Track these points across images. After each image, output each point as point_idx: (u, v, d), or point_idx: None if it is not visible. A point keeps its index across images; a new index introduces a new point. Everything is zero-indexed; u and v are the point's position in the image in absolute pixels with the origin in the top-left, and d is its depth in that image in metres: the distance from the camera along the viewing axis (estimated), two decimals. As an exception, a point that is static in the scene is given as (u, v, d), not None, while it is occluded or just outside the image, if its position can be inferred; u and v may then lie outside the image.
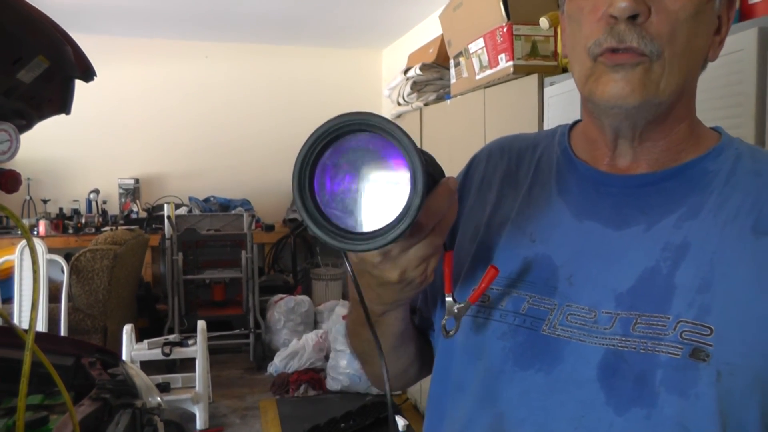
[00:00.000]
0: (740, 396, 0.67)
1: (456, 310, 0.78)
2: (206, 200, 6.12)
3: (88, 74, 1.56)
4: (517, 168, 0.93)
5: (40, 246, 3.65)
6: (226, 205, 6.05)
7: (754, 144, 1.50)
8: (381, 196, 0.59)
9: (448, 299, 0.78)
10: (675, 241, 0.75)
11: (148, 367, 3.80)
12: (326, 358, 4.59)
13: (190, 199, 6.10)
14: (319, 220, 0.59)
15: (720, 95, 1.62)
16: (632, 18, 0.72)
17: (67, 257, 4.06)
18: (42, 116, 1.62)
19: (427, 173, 0.60)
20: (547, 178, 0.89)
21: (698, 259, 0.73)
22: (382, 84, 6.74)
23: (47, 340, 1.74)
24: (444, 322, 0.79)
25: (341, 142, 0.59)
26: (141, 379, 1.62)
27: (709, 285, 0.71)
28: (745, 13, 1.69)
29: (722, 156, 0.80)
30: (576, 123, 0.93)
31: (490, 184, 0.93)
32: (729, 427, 0.67)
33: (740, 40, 1.57)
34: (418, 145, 0.57)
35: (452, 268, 0.79)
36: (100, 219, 5.81)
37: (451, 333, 0.78)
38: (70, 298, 4.00)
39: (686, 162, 0.80)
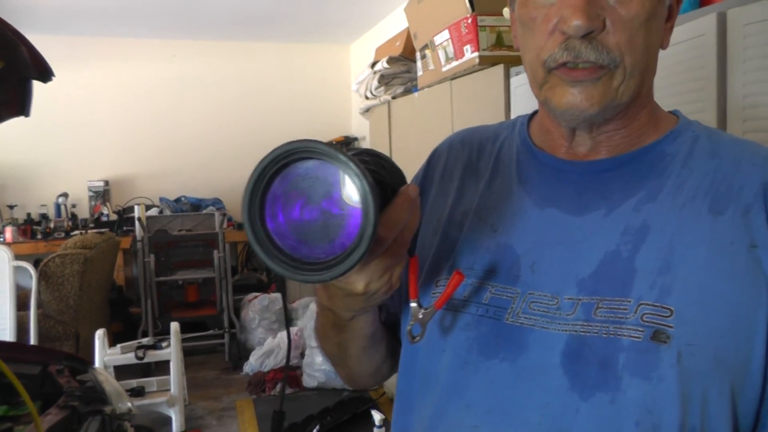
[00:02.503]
0: (701, 376, 0.67)
1: (421, 316, 0.77)
2: (177, 200, 6.06)
3: (45, 75, 1.54)
4: (478, 159, 0.93)
5: (5, 252, 3.58)
6: (197, 205, 5.99)
7: (716, 126, 1.52)
8: (333, 224, 0.58)
9: (413, 305, 0.78)
10: (635, 225, 0.75)
11: (123, 371, 3.76)
12: (302, 355, 4.57)
13: (161, 199, 6.04)
14: (271, 251, 0.58)
15: (682, 80, 1.63)
16: (587, 34, 0.71)
17: (36, 263, 3.99)
18: (-1, 119, 1.59)
19: (380, 194, 0.59)
20: (508, 168, 0.89)
21: (658, 241, 0.73)
22: (351, 78, 6.72)
23: (11, 349, 1.71)
24: (410, 327, 0.78)
25: (289, 170, 0.58)
26: (111, 384, 1.61)
27: (668, 267, 0.71)
28: (705, -1, 1.71)
29: (680, 138, 0.81)
30: (535, 113, 0.93)
31: (452, 175, 0.93)
32: (691, 408, 0.67)
33: (700, 26, 1.58)
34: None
35: (417, 274, 0.78)
36: (70, 223, 5.72)
37: (417, 339, 0.78)
38: (39, 305, 3.94)
39: (645, 146, 0.80)
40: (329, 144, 0.56)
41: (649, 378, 0.68)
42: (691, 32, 1.60)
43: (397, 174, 0.70)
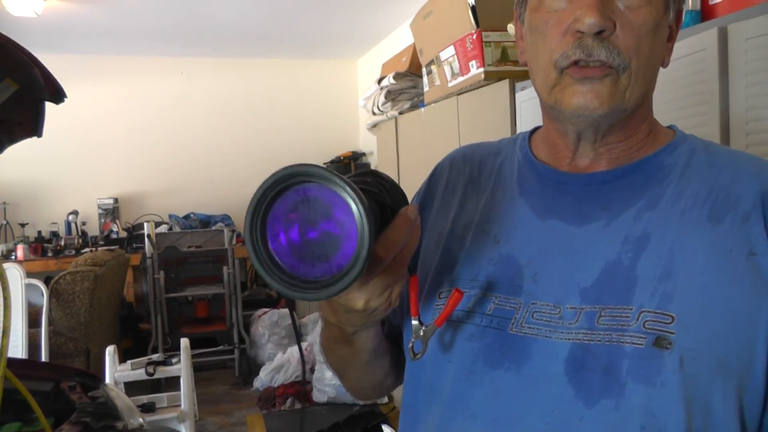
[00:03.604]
0: (704, 381, 0.69)
1: (422, 333, 0.79)
2: (186, 217, 6.09)
3: (57, 96, 1.56)
4: (479, 174, 0.95)
5: (17, 270, 3.61)
6: (206, 221, 6.03)
7: (720, 140, 1.54)
8: (331, 245, 0.61)
9: (415, 323, 0.80)
10: (635, 233, 0.77)
11: (133, 387, 3.76)
12: (312, 370, 4.58)
13: (170, 216, 6.07)
14: (272, 270, 0.61)
15: (685, 94, 1.64)
16: (599, 33, 0.74)
17: (47, 281, 4.02)
18: (13, 140, 1.61)
19: (379, 215, 0.62)
20: (509, 181, 0.91)
21: (658, 248, 0.75)
22: (358, 94, 6.75)
23: (24, 366, 1.73)
24: (411, 344, 0.80)
25: (289, 193, 0.60)
26: (122, 400, 1.61)
27: (669, 274, 0.73)
28: (706, 14, 1.72)
29: (677, 150, 0.83)
30: (536, 129, 0.95)
31: (454, 190, 0.95)
32: (695, 412, 0.69)
33: (702, 41, 1.60)
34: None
35: (417, 292, 0.80)
36: (80, 240, 5.75)
37: (419, 355, 0.80)
38: (50, 322, 3.96)
39: (643, 157, 0.83)
40: (327, 168, 0.59)
41: (652, 383, 0.70)
42: (693, 47, 1.62)
43: (399, 195, 0.73)
